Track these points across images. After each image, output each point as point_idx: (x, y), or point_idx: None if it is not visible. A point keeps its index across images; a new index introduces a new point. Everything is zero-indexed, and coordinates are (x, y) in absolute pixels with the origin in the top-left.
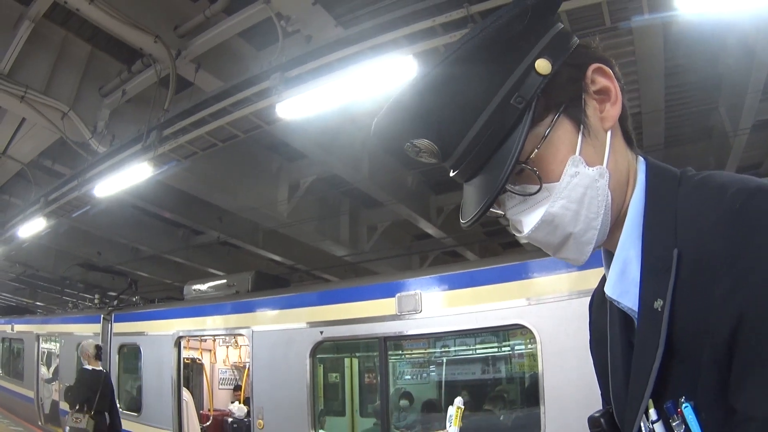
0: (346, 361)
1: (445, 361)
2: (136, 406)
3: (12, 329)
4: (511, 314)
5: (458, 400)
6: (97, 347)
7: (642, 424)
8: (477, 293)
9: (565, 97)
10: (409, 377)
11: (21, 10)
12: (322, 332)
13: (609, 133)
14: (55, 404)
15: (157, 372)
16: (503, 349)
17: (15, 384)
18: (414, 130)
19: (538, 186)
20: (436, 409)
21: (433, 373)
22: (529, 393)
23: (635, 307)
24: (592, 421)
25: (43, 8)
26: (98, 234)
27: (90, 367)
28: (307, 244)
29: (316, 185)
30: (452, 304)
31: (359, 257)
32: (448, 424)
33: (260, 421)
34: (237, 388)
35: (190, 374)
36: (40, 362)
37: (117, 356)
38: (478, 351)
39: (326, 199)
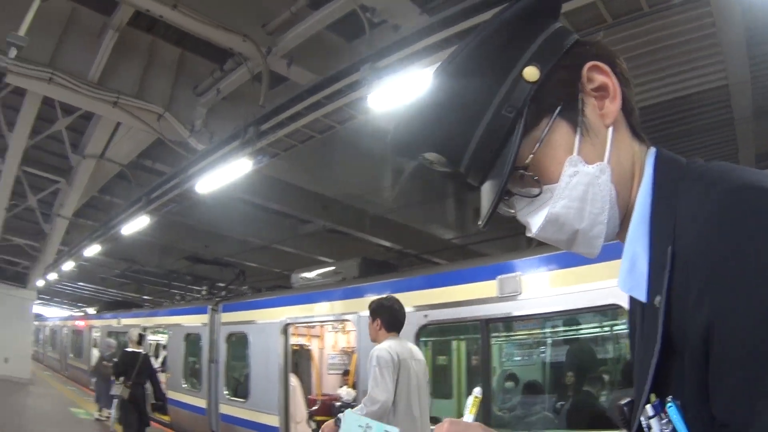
0: (452, 343)
1: (547, 342)
2: (243, 392)
3: (118, 323)
4: (608, 294)
5: (477, 390)
6: (140, 335)
7: (642, 419)
8: (575, 273)
9: (559, 100)
10: (511, 359)
11: (104, 20)
12: (426, 315)
13: (610, 129)
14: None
15: (265, 359)
16: (603, 329)
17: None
18: (423, 145)
19: (539, 189)
20: (538, 390)
21: (534, 355)
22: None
23: (646, 301)
24: (617, 409)
25: (126, 17)
26: (204, 228)
27: (131, 350)
28: (414, 228)
29: (419, 170)
30: (552, 284)
31: (466, 240)
32: (465, 412)
33: None
34: (346, 372)
35: (298, 360)
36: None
37: (225, 345)
38: (578, 331)
39: (431, 182)
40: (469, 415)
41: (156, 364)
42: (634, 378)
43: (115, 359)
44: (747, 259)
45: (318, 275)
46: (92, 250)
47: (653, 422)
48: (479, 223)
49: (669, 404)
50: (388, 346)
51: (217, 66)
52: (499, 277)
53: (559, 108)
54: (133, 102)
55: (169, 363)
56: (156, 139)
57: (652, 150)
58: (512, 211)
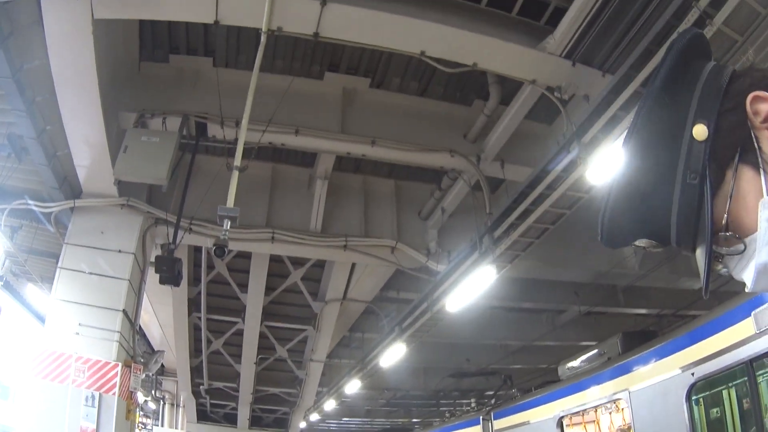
0: (723, 393)
1: None
2: None
3: None
4: None
5: None
6: None
7: None
8: None
9: (734, 148)
10: None
11: (309, 172)
12: (693, 373)
13: None
14: None
15: None
16: None
17: None
18: (630, 235)
19: (743, 243)
20: None
21: None
22: None
23: None
24: None
25: (330, 164)
26: (462, 342)
27: None
28: (666, 287)
29: None
30: None
31: (714, 284)
32: None
33: None
34: None
35: None
36: None
37: None
38: None
39: None
40: None
41: None
42: None
43: None
44: None
45: (583, 361)
46: (353, 386)
47: None
48: (702, 293)
49: None
50: None
51: (435, 186)
52: (754, 312)
53: (737, 156)
54: (362, 241)
55: None
56: (396, 270)
57: None
58: (727, 272)
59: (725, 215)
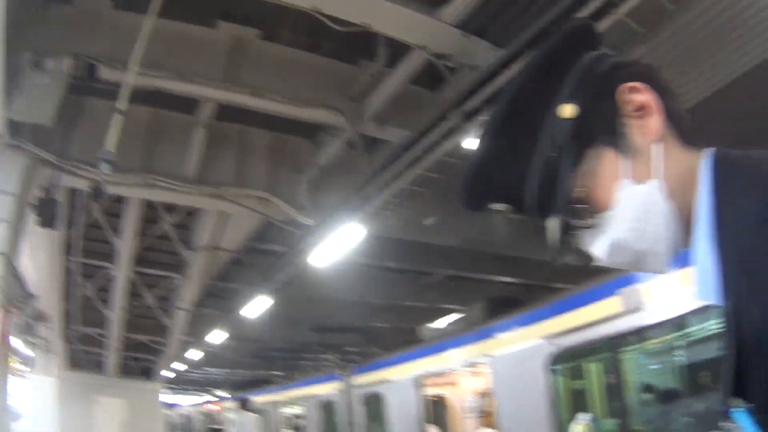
0: (584, 366)
1: (680, 347)
2: None
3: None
4: None
5: (585, 416)
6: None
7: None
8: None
9: (600, 130)
10: (645, 372)
11: (189, 119)
12: (554, 344)
13: (656, 146)
14: None
15: (402, 415)
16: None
17: None
18: (487, 198)
19: (598, 218)
20: (677, 397)
21: (666, 363)
22: None
23: (720, 305)
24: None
25: (210, 112)
26: (326, 297)
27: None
28: (533, 258)
29: None
30: (673, 291)
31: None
32: None
33: None
34: (484, 414)
35: (437, 410)
36: (283, 427)
37: (361, 407)
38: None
39: None
40: None
41: None
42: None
43: None
44: None
45: (445, 324)
46: (217, 337)
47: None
48: (552, 260)
49: (738, 409)
50: None
51: (311, 141)
52: (620, 290)
53: (602, 138)
54: (235, 191)
55: None
56: (266, 222)
57: (709, 152)
58: (579, 244)
59: (581, 190)
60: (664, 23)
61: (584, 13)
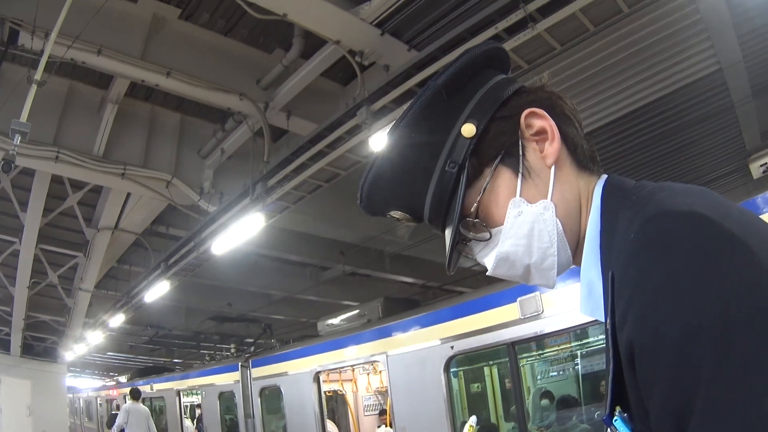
0: (484, 370)
1: (575, 356)
2: None
3: (152, 388)
4: None
5: (473, 419)
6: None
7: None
8: None
9: (499, 150)
10: (542, 377)
11: (101, 94)
12: (452, 347)
13: (552, 169)
14: None
15: (300, 409)
16: None
17: None
18: (387, 206)
19: (489, 233)
20: (573, 404)
21: (564, 371)
22: None
23: (603, 322)
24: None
25: (123, 89)
26: (226, 286)
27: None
28: (433, 260)
29: None
30: (571, 301)
31: None
32: None
33: None
34: (382, 412)
35: (334, 406)
36: (184, 416)
37: (259, 399)
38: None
39: None
40: None
41: (192, 426)
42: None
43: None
44: (653, 285)
45: (343, 320)
46: (117, 320)
47: None
48: (447, 269)
49: (615, 418)
50: None
51: (219, 127)
52: (520, 298)
53: (499, 157)
54: (140, 171)
55: (206, 422)
56: (168, 205)
57: (602, 179)
58: (471, 255)
59: (476, 204)
60: (581, 44)
61: (503, 25)
